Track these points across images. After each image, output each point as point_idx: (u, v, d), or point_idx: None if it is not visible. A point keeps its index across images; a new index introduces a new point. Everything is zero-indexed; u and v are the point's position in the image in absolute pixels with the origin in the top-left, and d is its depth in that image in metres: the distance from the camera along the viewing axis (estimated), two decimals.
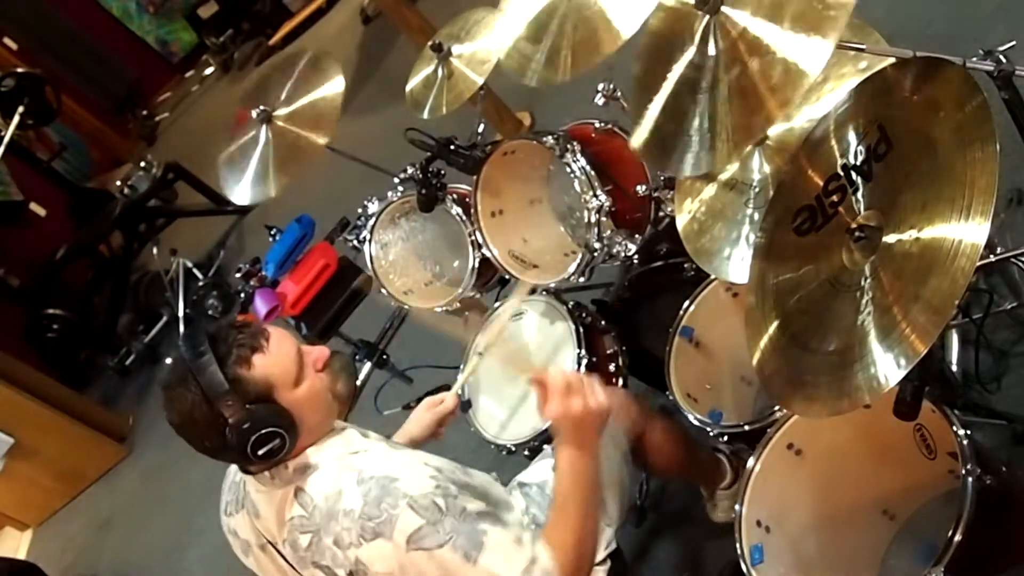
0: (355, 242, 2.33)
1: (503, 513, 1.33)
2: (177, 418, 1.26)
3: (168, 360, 1.34)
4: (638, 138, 1.59)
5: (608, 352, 2.04)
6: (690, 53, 1.45)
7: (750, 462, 1.55)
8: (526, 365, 1.47)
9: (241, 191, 2.45)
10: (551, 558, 1.27)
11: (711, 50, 1.40)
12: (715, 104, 1.40)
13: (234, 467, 1.48)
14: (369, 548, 1.25)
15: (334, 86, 2.36)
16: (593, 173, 1.91)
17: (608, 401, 1.41)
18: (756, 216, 1.57)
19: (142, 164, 5.50)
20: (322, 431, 1.36)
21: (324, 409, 1.36)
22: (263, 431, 1.24)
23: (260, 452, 1.25)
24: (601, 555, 1.58)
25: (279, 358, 1.28)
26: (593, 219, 1.90)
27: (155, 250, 5.21)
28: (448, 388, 2.12)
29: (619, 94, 1.90)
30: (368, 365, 2.49)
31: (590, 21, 1.80)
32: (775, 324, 1.28)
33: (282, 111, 2.42)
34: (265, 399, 1.26)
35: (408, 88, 2.37)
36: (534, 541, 1.28)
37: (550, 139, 1.94)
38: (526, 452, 1.93)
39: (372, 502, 1.24)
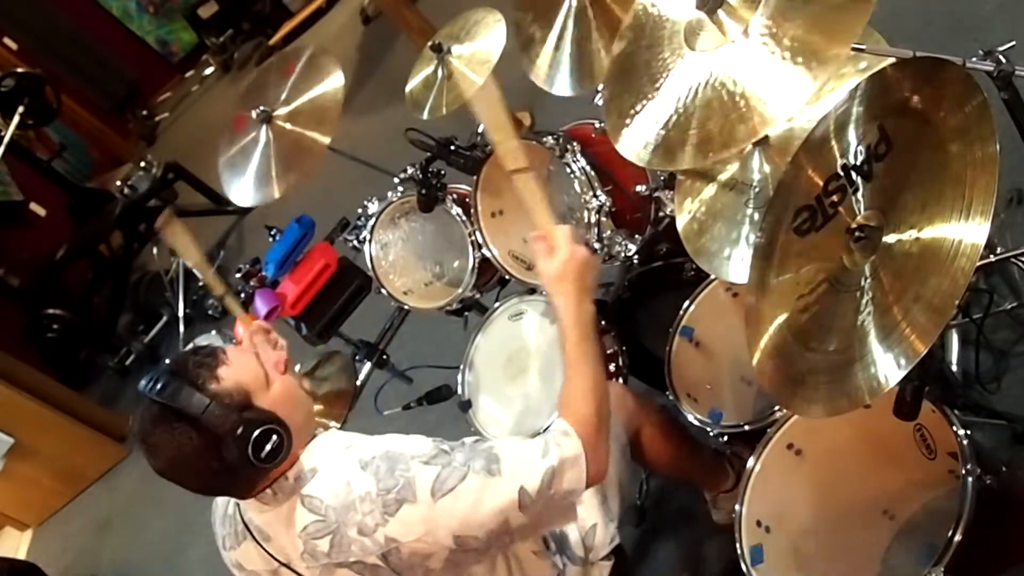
0: (355, 242, 2.33)
1: None
2: (166, 460, 1.24)
3: (140, 410, 1.32)
4: (619, 133, 1.54)
5: (608, 352, 2.04)
6: (678, 49, 1.43)
7: (750, 462, 1.56)
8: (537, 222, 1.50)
9: (243, 193, 2.45)
10: (564, 420, 1.34)
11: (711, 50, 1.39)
12: (706, 101, 1.38)
13: (222, 500, 1.47)
14: (396, 520, 1.25)
15: (333, 82, 2.35)
16: (593, 173, 1.91)
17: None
18: (756, 216, 1.57)
19: (142, 164, 5.50)
20: (309, 430, 1.37)
21: (303, 406, 1.37)
22: (261, 429, 1.24)
23: (263, 454, 1.24)
24: (605, 551, 1.59)
25: (243, 365, 1.29)
26: (593, 219, 1.90)
27: (155, 250, 5.21)
28: (450, 388, 2.13)
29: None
30: (368, 365, 2.48)
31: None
32: (775, 324, 1.28)
33: (282, 110, 2.42)
34: (247, 406, 1.26)
35: (408, 88, 2.37)
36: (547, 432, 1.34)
37: (550, 139, 1.94)
38: None
39: (385, 475, 1.25)
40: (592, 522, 1.60)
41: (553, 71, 2.02)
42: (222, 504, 1.48)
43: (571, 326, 1.41)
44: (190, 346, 1.35)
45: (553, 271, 1.44)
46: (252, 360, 1.32)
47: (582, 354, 1.40)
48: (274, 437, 1.25)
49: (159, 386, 1.23)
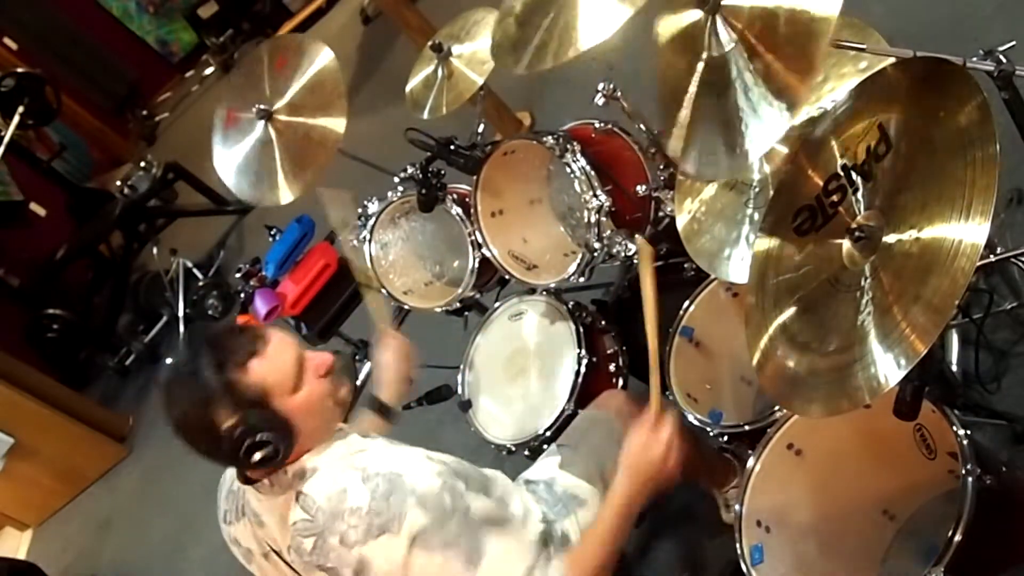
0: (355, 242, 2.33)
1: (508, 511, 1.35)
2: (173, 419, 1.26)
3: (168, 360, 1.32)
4: (679, 154, 1.53)
5: (608, 352, 2.04)
6: (704, 56, 1.43)
7: (750, 462, 1.55)
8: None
9: (251, 195, 2.39)
10: (567, 567, 1.31)
11: (726, 46, 1.38)
12: (736, 98, 1.37)
13: (230, 475, 1.48)
14: (375, 544, 1.24)
15: (324, 61, 2.25)
16: (593, 173, 1.91)
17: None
18: (756, 216, 1.57)
19: (142, 164, 5.50)
20: (321, 437, 1.35)
21: (323, 416, 1.35)
22: (255, 438, 1.23)
23: (253, 459, 1.24)
24: None
25: (277, 363, 1.27)
26: (593, 219, 1.90)
27: (155, 250, 5.21)
28: (450, 388, 2.13)
29: (619, 94, 1.90)
30: (368, 365, 2.48)
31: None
32: (775, 324, 1.28)
33: (280, 103, 2.32)
34: (260, 405, 1.24)
35: (408, 88, 2.37)
36: (546, 559, 1.31)
37: (550, 139, 1.94)
38: (526, 452, 1.93)
39: (380, 497, 1.24)
40: None
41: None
42: (229, 479, 1.48)
43: (622, 502, 1.42)
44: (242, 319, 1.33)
45: (640, 457, 1.44)
46: (290, 358, 1.29)
47: (617, 525, 1.41)
48: (269, 448, 1.24)
49: (190, 347, 1.24)
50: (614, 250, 1.95)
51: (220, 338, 1.26)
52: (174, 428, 1.26)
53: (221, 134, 2.45)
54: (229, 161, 2.42)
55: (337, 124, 2.20)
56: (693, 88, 1.45)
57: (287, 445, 1.27)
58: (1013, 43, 1.24)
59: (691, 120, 1.47)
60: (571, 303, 2.07)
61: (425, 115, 2.25)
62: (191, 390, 1.23)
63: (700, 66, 1.42)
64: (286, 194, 2.29)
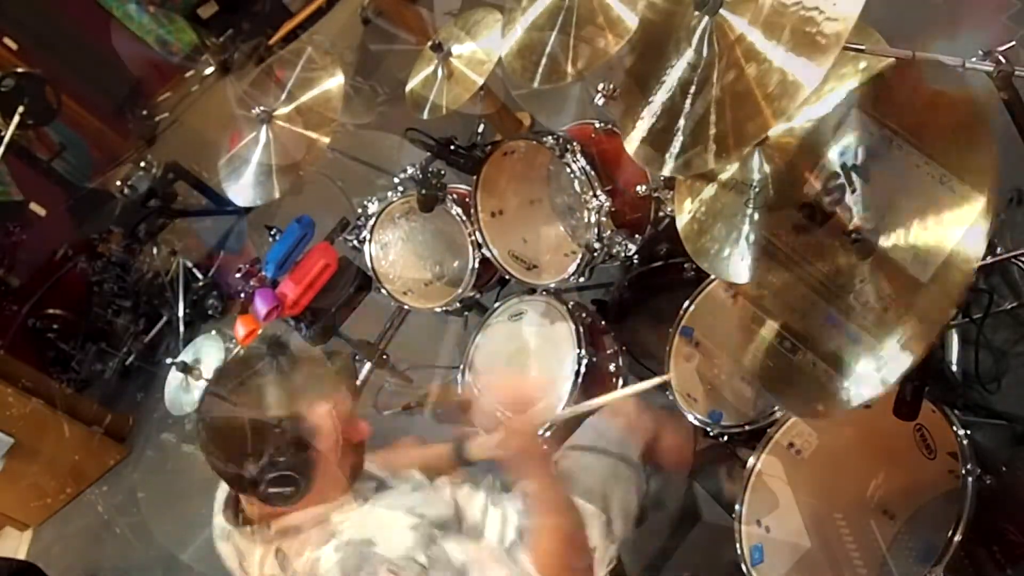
0: (355, 242, 2.33)
1: (482, 537, 1.36)
2: (217, 417, 1.24)
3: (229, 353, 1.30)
4: (630, 135, 1.57)
5: (608, 352, 2.04)
6: (686, 53, 1.44)
7: (750, 462, 1.55)
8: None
9: (243, 193, 2.45)
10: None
11: (705, 52, 1.39)
12: (706, 106, 1.39)
13: (220, 499, 1.46)
14: None
15: (333, 82, 2.34)
16: (593, 173, 1.91)
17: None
18: (756, 216, 1.57)
19: (142, 164, 5.50)
20: (323, 499, 1.32)
21: (336, 481, 1.33)
22: (283, 473, 1.22)
23: (270, 491, 1.24)
24: (602, 572, 1.58)
25: (336, 419, 1.27)
26: (593, 219, 1.90)
27: (155, 250, 5.21)
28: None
29: (619, 94, 1.90)
30: (368, 365, 2.48)
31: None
32: (773, 325, 1.28)
33: (282, 110, 2.41)
34: (304, 447, 1.24)
35: (408, 88, 2.37)
36: (514, 560, 1.31)
37: (550, 139, 1.94)
38: None
39: (351, 570, 1.22)
40: (592, 545, 1.59)
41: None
42: (218, 501, 1.47)
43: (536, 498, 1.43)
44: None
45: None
46: (345, 416, 1.29)
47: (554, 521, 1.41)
48: (289, 488, 1.24)
49: (275, 351, 1.24)
50: (614, 250, 1.95)
51: (311, 363, 1.27)
52: (206, 425, 1.24)
53: (227, 161, 2.52)
54: (240, 183, 2.49)
55: (323, 139, 2.30)
56: (664, 80, 1.46)
57: (300, 496, 1.26)
58: (1013, 43, 1.24)
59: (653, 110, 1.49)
60: (571, 303, 2.07)
61: (425, 115, 2.26)
62: (253, 402, 1.21)
63: (681, 63, 1.43)
64: (275, 191, 2.37)
